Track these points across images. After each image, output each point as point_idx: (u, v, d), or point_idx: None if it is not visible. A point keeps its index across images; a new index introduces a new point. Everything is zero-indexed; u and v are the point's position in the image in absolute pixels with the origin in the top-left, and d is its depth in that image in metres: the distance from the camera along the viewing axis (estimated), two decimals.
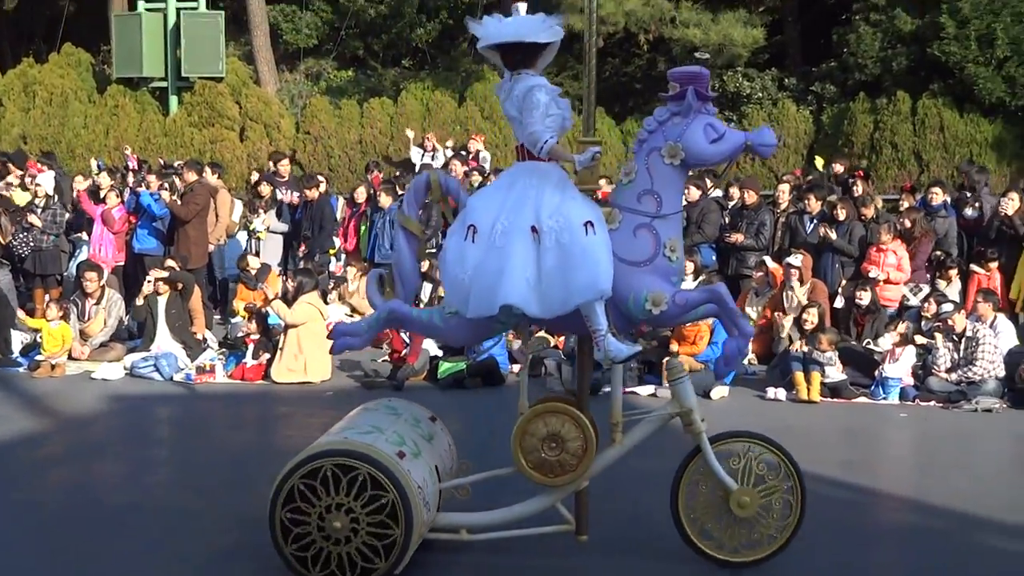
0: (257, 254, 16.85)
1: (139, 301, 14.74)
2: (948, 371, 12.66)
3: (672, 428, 7.32)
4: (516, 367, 13.97)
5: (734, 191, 16.59)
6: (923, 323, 13.56)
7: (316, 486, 6.63)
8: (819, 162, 19.78)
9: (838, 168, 18.28)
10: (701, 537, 7.23)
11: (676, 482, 7.25)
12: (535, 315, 6.51)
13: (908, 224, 14.87)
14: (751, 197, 15.89)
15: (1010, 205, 14.95)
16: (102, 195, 17.24)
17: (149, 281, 14.79)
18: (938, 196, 15.80)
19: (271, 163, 20.36)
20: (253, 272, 15.93)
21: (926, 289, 14.42)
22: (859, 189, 16.34)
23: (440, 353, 13.94)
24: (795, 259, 14.50)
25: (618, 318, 6.73)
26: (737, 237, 15.66)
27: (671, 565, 7.30)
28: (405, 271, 7.14)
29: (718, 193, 16.81)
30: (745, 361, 13.98)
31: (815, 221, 15.35)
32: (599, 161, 6.76)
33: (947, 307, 13.38)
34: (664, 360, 12.56)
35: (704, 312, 6.87)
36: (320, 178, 18.27)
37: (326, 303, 14.91)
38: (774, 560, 7.19)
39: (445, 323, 6.91)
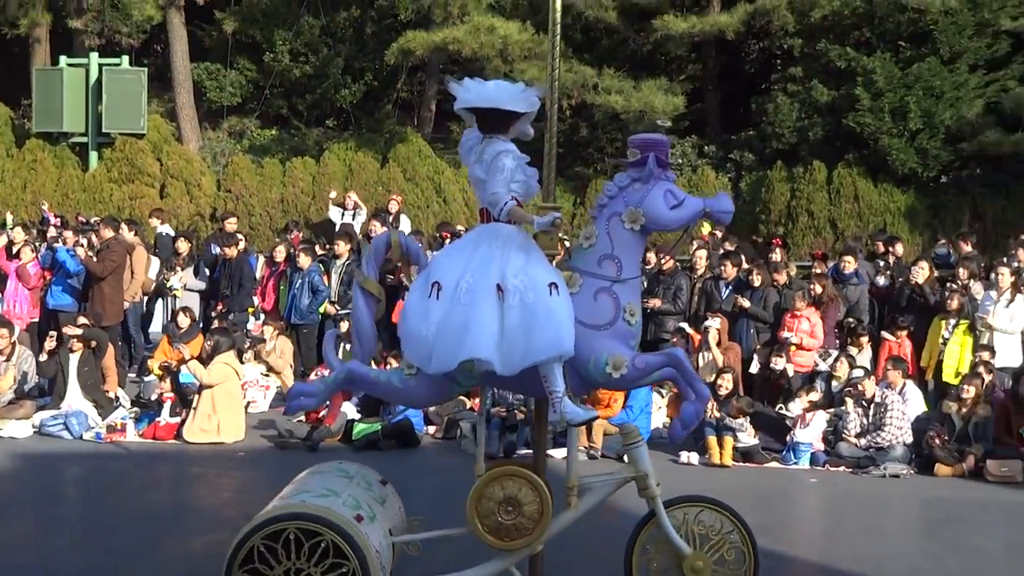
0: (177, 312, 16.66)
1: (43, 357, 14.51)
2: (858, 436, 12.84)
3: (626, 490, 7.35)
4: (431, 428, 13.97)
5: (651, 256, 16.70)
6: (833, 385, 13.77)
7: (278, 549, 6.53)
8: (705, 228, 20.06)
9: (717, 234, 18.48)
10: None
11: (630, 546, 7.29)
12: (499, 372, 6.51)
13: (818, 290, 15.11)
14: (667, 262, 16.05)
15: (920, 274, 15.27)
16: (15, 250, 17.03)
17: (51, 336, 14.61)
18: (850, 264, 16.07)
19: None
20: (182, 330, 15.73)
21: (835, 354, 14.59)
22: (777, 256, 16.56)
23: (357, 415, 13.90)
24: (713, 321, 14.71)
25: (576, 381, 6.78)
26: (655, 302, 15.77)
27: None
28: (363, 332, 7.08)
29: None
30: (660, 424, 14.10)
31: (730, 287, 15.55)
32: (559, 227, 6.85)
33: (858, 372, 13.61)
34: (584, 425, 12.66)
35: (661, 376, 6.93)
36: (239, 236, 18.20)
37: (242, 362, 14.80)
38: None
39: (404, 384, 6.89)
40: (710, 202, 6.85)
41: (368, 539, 6.61)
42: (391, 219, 20.19)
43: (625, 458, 7.43)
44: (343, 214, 21.33)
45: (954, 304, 14.48)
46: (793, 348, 14.47)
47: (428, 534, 7.40)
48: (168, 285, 17.38)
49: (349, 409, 13.87)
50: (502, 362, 6.49)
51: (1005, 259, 16.09)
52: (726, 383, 13.32)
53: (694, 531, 7.26)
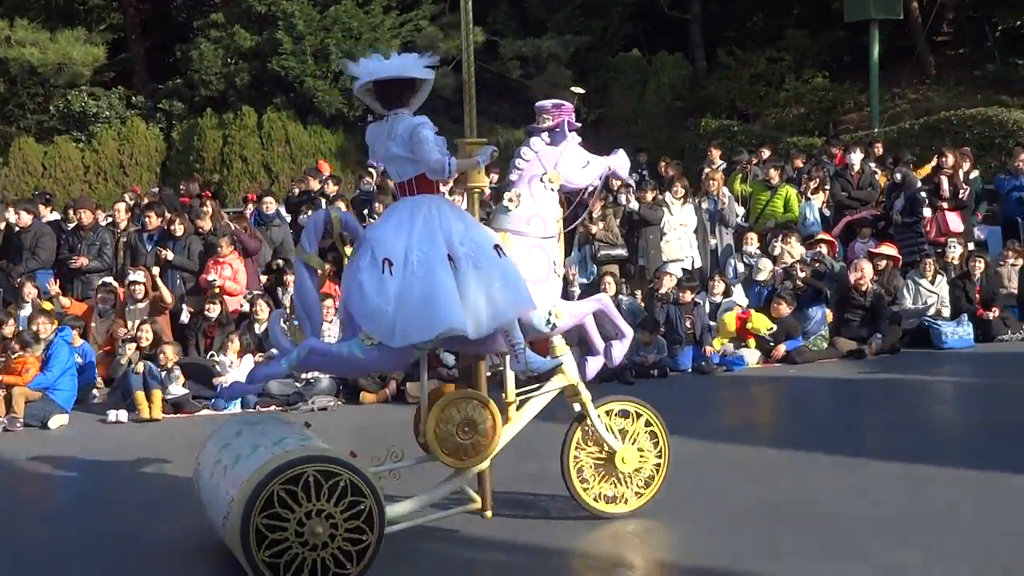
0: None
1: None
2: None
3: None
4: None
5: (74, 213, 16.14)
6: (256, 328, 13.80)
7: (298, 492, 6.48)
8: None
9: (137, 200, 18.11)
10: (598, 499, 7.89)
11: (564, 449, 7.83)
12: (471, 337, 6.79)
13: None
14: (88, 217, 15.62)
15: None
16: None
17: None
18: (271, 206, 16.35)
19: None
20: None
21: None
22: (208, 208, 16.17)
23: None
24: (137, 275, 14.43)
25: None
26: (81, 261, 15.32)
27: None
28: (311, 307, 7.06)
29: (55, 216, 16.36)
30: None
31: (155, 239, 15.32)
32: (494, 158, 7.48)
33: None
34: None
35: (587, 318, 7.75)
36: None
37: None
38: None
39: (366, 354, 6.94)
40: (611, 160, 7.70)
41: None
42: None
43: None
44: None
45: None
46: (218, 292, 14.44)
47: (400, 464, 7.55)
48: None
49: None
50: (472, 328, 6.77)
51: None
52: (146, 335, 13.23)
53: (614, 426, 7.93)
